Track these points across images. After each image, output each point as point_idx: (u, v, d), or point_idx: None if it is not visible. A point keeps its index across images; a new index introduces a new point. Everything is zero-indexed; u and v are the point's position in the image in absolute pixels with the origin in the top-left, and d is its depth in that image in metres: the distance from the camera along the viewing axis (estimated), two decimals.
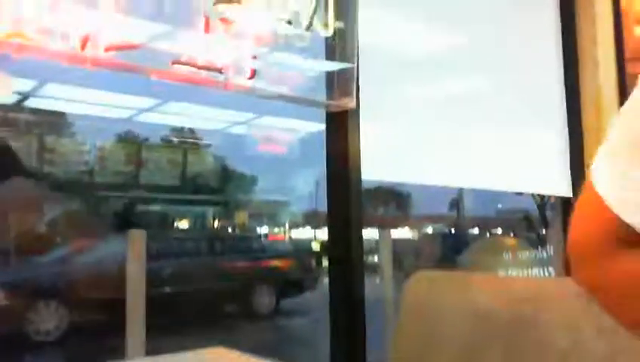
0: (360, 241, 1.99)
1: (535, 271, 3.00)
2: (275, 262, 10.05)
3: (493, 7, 2.61)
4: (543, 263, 3.06)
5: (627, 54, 2.90)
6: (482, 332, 1.34)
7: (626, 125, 0.67)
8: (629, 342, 1.12)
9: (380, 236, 5.50)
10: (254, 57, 1.76)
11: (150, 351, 2.65)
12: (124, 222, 10.53)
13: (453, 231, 18.77)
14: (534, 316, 1.27)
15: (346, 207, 1.97)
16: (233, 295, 8.97)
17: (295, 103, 1.94)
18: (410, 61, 2.29)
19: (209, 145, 12.68)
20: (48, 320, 7.06)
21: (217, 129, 9.20)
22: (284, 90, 1.84)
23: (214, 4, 1.66)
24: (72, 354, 6.83)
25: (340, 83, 1.91)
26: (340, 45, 1.91)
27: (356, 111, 1.96)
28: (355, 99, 1.91)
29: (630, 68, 2.90)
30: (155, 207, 12.54)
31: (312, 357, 6.00)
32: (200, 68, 1.66)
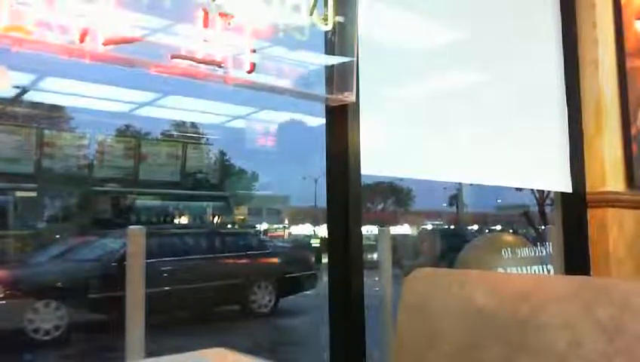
0: (359, 236, 1.98)
1: (534, 269, 3.00)
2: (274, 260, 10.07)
3: (494, 4, 2.60)
4: (542, 260, 3.06)
5: (627, 49, 2.89)
6: (480, 330, 1.34)
7: None
8: (628, 341, 1.12)
9: (379, 233, 5.48)
10: (254, 51, 1.75)
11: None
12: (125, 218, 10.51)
13: (452, 227, 18.80)
14: (533, 314, 1.26)
15: (346, 202, 1.96)
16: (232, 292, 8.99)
17: (295, 97, 1.93)
18: (412, 56, 2.28)
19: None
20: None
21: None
22: (284, 83, 1.83)
23: None
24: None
25: (340, 77, 1.90)
26: (339, 39, 1.90)
27: (356, 105, 1.96)
28: (354, 94, 1.90)
29: (630, 62, 2.89)
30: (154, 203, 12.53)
31: None
32: (199, 62, 1.65)
